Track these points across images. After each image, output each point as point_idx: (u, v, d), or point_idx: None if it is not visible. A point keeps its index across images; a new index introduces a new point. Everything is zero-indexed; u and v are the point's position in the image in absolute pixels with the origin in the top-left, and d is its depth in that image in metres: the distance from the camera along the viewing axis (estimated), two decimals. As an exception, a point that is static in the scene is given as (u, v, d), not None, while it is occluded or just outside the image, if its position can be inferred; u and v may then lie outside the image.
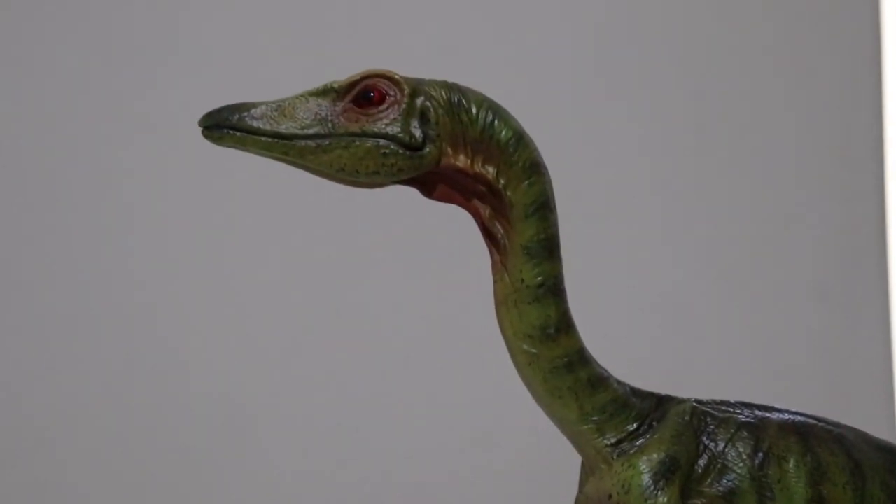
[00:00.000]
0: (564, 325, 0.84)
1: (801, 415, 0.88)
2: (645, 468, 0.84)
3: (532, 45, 1.44)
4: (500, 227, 0.84)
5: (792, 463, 0.85)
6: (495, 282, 0.84)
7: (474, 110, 0.83)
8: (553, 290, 0.84)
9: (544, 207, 0.84)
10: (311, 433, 1.46)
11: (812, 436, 0.87)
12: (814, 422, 0.88)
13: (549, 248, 0.84)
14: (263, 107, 0.82)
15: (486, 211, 0.84)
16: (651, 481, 0.84)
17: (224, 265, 1.47)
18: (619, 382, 0.86)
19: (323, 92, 0.83)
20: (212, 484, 1.47)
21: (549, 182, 0.85)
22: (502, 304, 0.84)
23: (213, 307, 1.47)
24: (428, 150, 0.82)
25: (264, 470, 1.45)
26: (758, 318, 1.37)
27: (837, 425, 0.88)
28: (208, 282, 1.47)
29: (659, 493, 0.83)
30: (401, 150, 0.82)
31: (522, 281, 0.83)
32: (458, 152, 0.83)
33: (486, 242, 0.85)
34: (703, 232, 1.42)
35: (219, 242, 1.47)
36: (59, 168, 1.46)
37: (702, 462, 0.85)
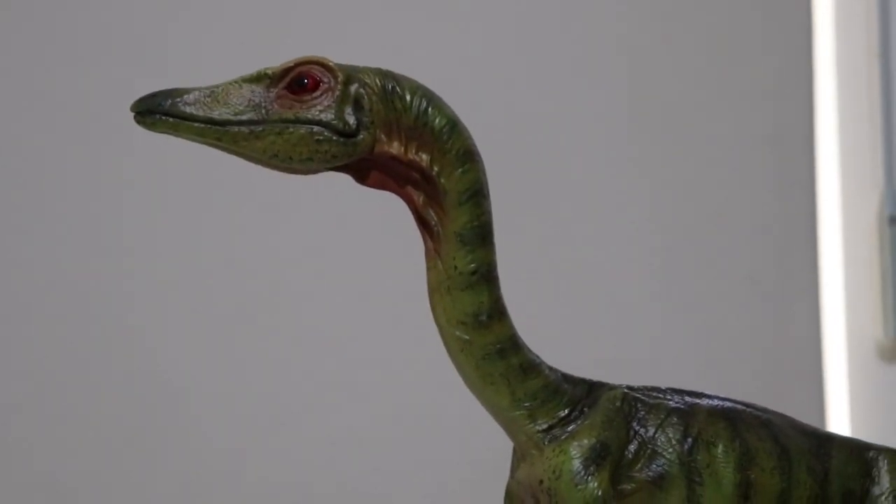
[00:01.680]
0: (497, 312, 0.85)
1: (730, 401, 0.89)
2: (576, 454, 0.84)
3: (472, 39, 1.42)
4: (433, 214, 0.84)
5: (721, 448, 0.86)
6: (428, 269, 0.85)
7: (408, 97, 0.84)
8: (486, 276, 0.84)
9: (478, 195, 0.84)
10: (248, 418, 1.44)
11: (740, 421, 0.88)
12: (742, 408, 0.89)
13: (482, 235, 0.84)
14: (196, 93, 0.82)
15: (419, 198, 0.85)
16: (582, 466, 0.84)
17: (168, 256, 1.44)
18: (550, 369, 0.87)
19: (257, 78, 0.83)
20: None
21: (483, 170, 0.85)
22: (435, 291, 0.85)
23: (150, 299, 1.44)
24: (362, 136, 0.83)
25: (202, 451, 1.43)
26: (691, 305, 1.37)
27: (765, 411, 0.89)
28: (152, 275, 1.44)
29: (589, 478, 0.84)
30: (334, 137, 0.82)
31: (455, 268, 0.84)
32: (391, 139, 0.84)
33: (420, 229, 0.85)
34: (640, 221, 1.41)
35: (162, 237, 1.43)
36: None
37: (632, 447, 0.86)
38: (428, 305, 0.86)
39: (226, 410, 1.46)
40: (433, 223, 0.85)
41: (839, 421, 1.36)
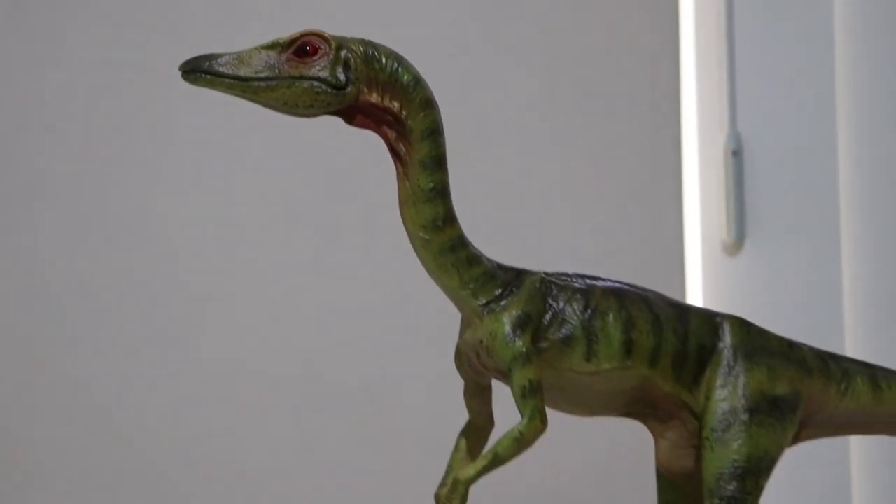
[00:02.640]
0: (449, 219, 0.88)
1: (619, 282, 0.92)
2: (507, 321, 0.88)
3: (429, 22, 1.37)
4: (402, 147, 0.88)
5: (611, 317, 0.90)
6: (399, 188, 0.88)
7: (384, 60, 0.87)
8: (441, 192, 0.88)
9: (436, 132, 0.88)
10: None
11: (626, 297, 0.91)
12: (627, 287, 0.92)
13: (438, 162, 0.88)
14: (227, 56, 0.85)
15: (392, 135, 0.88)
16: (511, 330, 0.88)
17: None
18: (488, 260, 0.90)
19: (271, 46, 0.86)
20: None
21: (439, 114, 0.88)
22: (404, 204, 0.88)
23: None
24: (349, 89, 0.86)
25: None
26: (583, 215, 1.36)
27: (644, 290, 0.93)
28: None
29: (516, 338, 0.88)
30: (329, 90, 0.86)
31: (419, 186, 0.87)
32: (371, 91, 0.87)
33: (393, 158, 0.88)
34: (535, 151, 1.39)
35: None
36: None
37: (547, 317, 0.89)
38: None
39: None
40: (402, 154, 0.88)
41: (695, 298, 1.38)
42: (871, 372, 0.97)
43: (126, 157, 1.35)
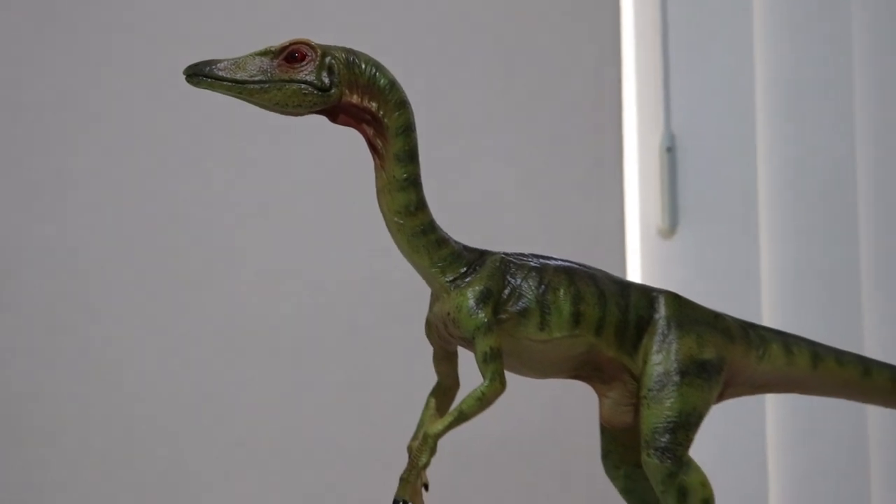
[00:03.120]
0: (421, 205, 0.88)
1: (569, 261, 0.93)
2: (471, 295, 0.88)
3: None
4: (380, 142, 0.88)
5: (562, 292, 0.90)
6: (377, 178, 0.88)
7: (363, 66, 0.87)
8: (413, 182, 0.88)
9: (409, 129, 0.88)
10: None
11: (575, 274, 0.91)
12: (576, 266, 0.92)
13: (411, 156, 0.88)
14: (225, 62, 0.86)
15: (371, 132, 0.88)
16: (474, 303, 0.88)
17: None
18: (455, 242, 0.90)
19: (264, 52, 0.86)
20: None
21: (412, 113, 0.89)
22: (381, 192, 0.88)
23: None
24: (333, 91, 0.86)
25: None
26: (538, 205, 1.36)
27: (590, 268, 0.93)
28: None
29: (479, 310, 0.88)
30: (315, 91, 0.86)
31: (394, 176, 0.87)
32: (352, 93, 0.87)
33: (371, 152, 0.88)
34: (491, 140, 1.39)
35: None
36: None
37: (506, 292, 0.89)
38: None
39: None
40: (380, 148, 0.88)
41: (635, 276, 1.38)
42: (785, 339, 0.99)
43: (141, 149, 1.34)
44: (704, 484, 0.91)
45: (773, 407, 1.40)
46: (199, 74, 0.86)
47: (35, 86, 1.31)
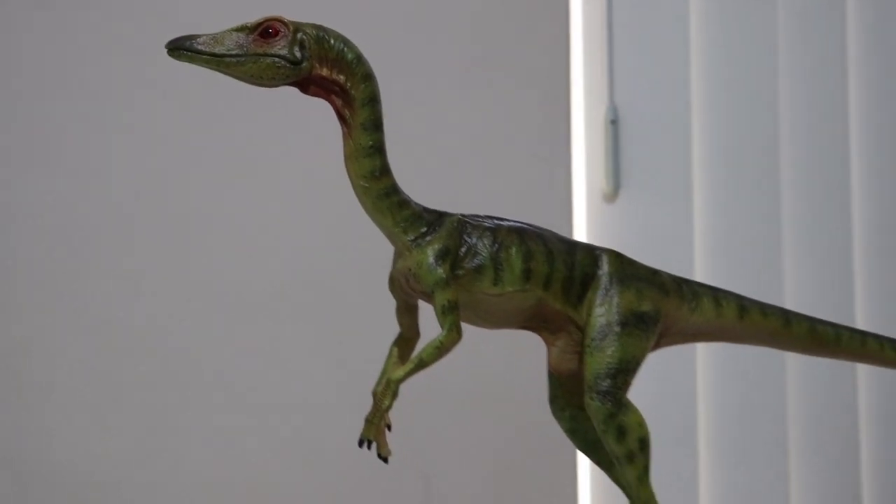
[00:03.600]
0: (385, 171, 0.87)
1: (520, 222, 0.92)
2: (430, 253, 0.88)
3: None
4: (347, 112, 0.87)
5: (514, 250, 0.89)
6: (344, 145, 0.87)
7: (332, 41, 0.86)
8: (378, 149, 0.87)
9: (374, 101, 0.87)
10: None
11: (526, 234, 0.91)
12: (527, 226, 0.92)
13: (376, 125, 0.87)
14: (205, 37, 0.84)
15: (339, 102, 0.87)
16: (433, 260, 0.88)
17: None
18: (416, 204, 0.89)
19: (241, 28, 0.85)
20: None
21: (377, 85, 0.87)
22: (348, 159, 0.87)
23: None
24: (304, 64, 0.85)
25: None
26: (494, 171, 1.36)
27: (540, 229, 0.92)
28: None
29: (438, 267, 0.88)
30: (288, 65, 0.85)
31: (360, 144, 0.86)
32: (322, 66, 0.86)
33: (339, 121, 0.87)
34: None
35: None
36: None
37: (463, 250, 0.89)
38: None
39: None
40: (347, 118, 0.87)
41: (581, 236, 1.38)
42: (714, 293, 0.99)
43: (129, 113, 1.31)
44: (641, 424, 0.92)
45: (703, 355, 1.41)
46: (180, 48, 0.84)
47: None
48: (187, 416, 1.28)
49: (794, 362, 1.40)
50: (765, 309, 1.01)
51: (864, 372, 1.42)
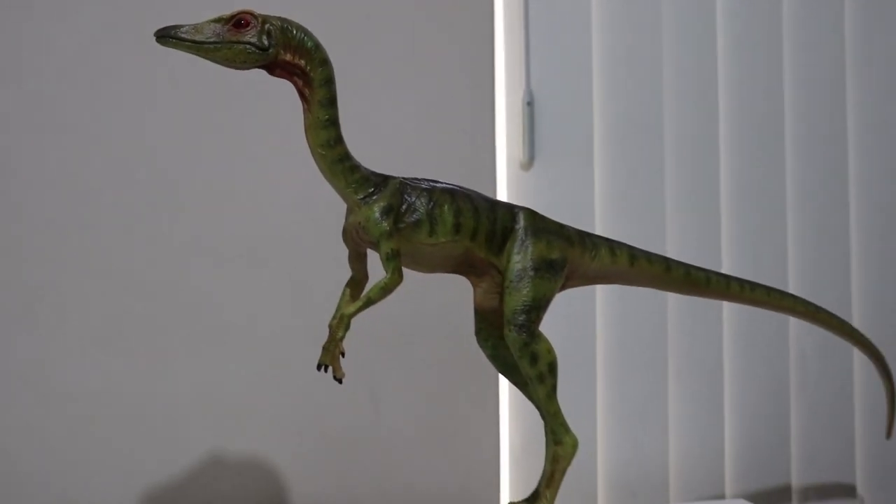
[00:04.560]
0: (339, 140, 0.86)
1: (452, 185, 0.92)
2: (376, 209, 0.87)
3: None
4: (307, 91, 0.85)
5: (446, 207, 0.89)
6: (304, 119, 0.86)
7: (294, 31, 0.85)
8: (333, 122, 0.86)
9: (329, 81, 0.86)
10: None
11: (456, 194, 0.91)
12: (457, 188, 0.92)
13: (331, 102, 0.86)
14: (187, 27, 0.82)
15: (300, 83, 0.86)
16: (379, 216, 0.87)
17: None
18: (365, 168, 0.88)
19: (217, 20, 0.83)
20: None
21: (332, 69, 0.86)
22: (308, 130, 0.86)
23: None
24: (271, 51, 0.83)
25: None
26: (429, 145, 1.33)
27: (469, 190, 0.93)
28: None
29: (383, 221, 0.87)
30: (257, 51, 0.83)
31: (318, 118, 0.85)
32: (286, 52, 0.84)
33: (301, 98, 0.86)
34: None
35: None
36: None
37: (403, 207, 0.88)
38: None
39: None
40: (307, 96, 0.86)
41: (502, 197, 1.37)
42: (610, 244, 0.99)
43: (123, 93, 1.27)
44: (550, 351, 0.92)
45: (601, 295, 1.42)
46: (167, 36, 0.83)
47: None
48: (181, 346, 1.26)
49: (673, 302, 1.41)
50: (650, 257, 1.02)
51: (728, 310, 1.43)
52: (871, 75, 1.49)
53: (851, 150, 1.48)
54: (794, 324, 1.43)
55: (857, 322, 1.43)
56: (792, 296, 1.12)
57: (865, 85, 1.48)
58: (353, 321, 0.90)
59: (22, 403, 1.21)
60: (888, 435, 1.28)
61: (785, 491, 1.42)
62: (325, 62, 0.86)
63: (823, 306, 1.15)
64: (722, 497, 1.40)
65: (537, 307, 0.92)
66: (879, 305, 1.46)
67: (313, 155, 0.87)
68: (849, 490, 1.44)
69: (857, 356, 1.44)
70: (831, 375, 1.43)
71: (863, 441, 1.44)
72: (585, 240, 0.98)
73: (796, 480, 1.43)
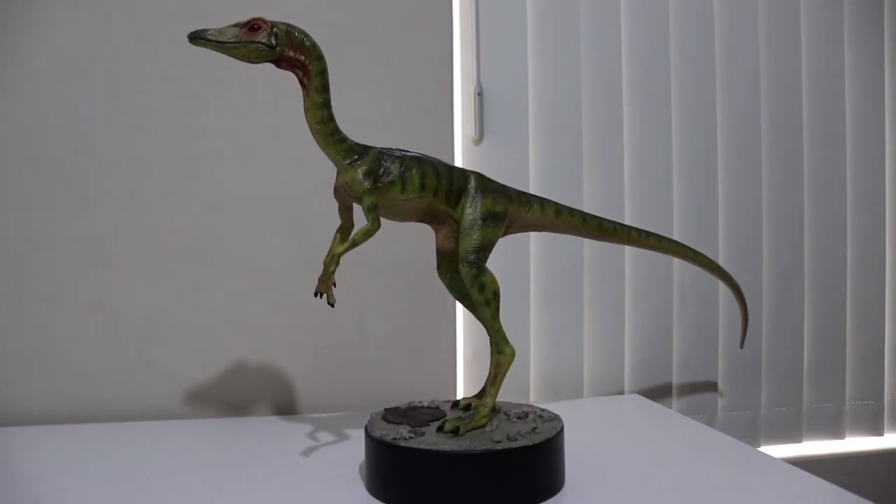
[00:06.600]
0: (330, 118, 0.85)
1: (419, 153, 0.91)
2: (360, 172, 0.86)
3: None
4: (306, 80, 0.84)
5: (414, 171, 0.89)
6: (304, 101, 0.85)
7: (296, 34, 0.83)
8: (326, 104, 0.85)
9: (323, 72, 0.85)
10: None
11: (422, 161, 0.90)
12: (423, 156, 0.91)
13: (325, 88, 0.85)
14: (213, 30, 0.81)
15: (300, 73, 0.84)
16: (362, 177, 0.86)
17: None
18: (350, 140, 0.87)
19: (236, 25, 0.82)
20: None
21: (325, 63, 0.85)
22: (306, 110, 0.85)
23: None
24: (278, 49, 0.82)
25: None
26: (398, 126, 1.30)
27: (433, 158, 0.92)
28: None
29: (365, 181, 0.86)
30: (267, 49, 0.82)
31: (314, 101, 0.84)
32: (290, 50, 0.83)
33: (301, 86, 0.85)
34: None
35: None
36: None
37: (381, 170, 0.87)
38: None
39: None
40: (306, 84, 0.85)
41: (458, 164, 1.36)
42: (541, 200, 1.00)
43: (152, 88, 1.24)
44: (494, 282, 0.94)
45: (534, 240, 1.43)
46: (198, 37, 0.81)
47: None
48: (213, 281, 1.26)
49: (588, 246, 1.43)
50: (571, 211, 1.02)
51: (629, 253, 1.45)
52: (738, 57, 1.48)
53: (720, 129, 1.48)
54: (677, 264, 1.45)
55: (722, 261, 1.46)
56: (676, 241, 1.13)
57: (731, 76, 1.48)
58: (343, 259, 0.90)
59: (92, 325, 1.21)
60: (741, 346, 1.38)
61: (667, 388, 1.46)
62: (320, 57, 0.85)
63: (700, 250, 1.17)
64: (622, 393, 1.43)
65: (484, 248, 0.93)
66: (738, 249, 1.48)
67: (311, 129, 0.86)
68: (712, 386, 1.48)
69: (722, 287, 1.47)
70: (702, 302, 1.47)
71: (723, 351, 1.48)
72: (522, 197, 0.99)
73: (676, 380, 1.46)
